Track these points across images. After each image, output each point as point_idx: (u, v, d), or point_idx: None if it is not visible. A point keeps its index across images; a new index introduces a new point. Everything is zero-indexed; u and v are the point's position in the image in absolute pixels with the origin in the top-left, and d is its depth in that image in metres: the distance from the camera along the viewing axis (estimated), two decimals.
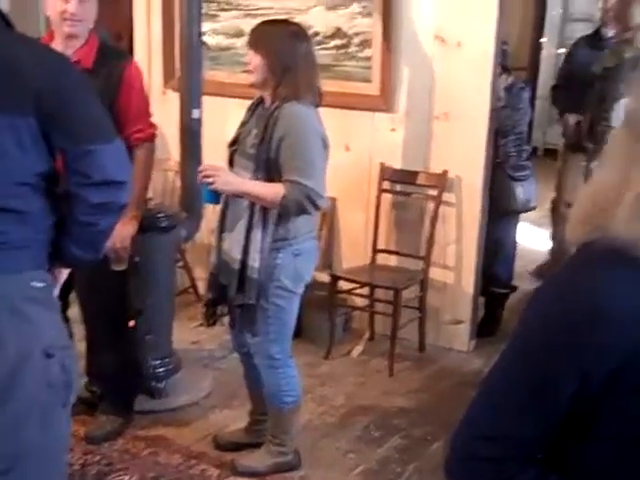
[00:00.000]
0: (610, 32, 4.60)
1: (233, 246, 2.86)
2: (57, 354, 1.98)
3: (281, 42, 2.81)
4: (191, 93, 3.67)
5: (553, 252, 5.29)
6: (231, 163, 2.96)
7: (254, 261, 2.80)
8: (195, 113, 3.67)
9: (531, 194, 4.36)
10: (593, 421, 1.02)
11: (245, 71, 2.88)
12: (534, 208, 4.52)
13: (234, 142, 2.97)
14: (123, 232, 3.11)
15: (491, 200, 4.17)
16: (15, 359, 1.92)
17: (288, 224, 2.82)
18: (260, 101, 2.94)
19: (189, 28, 3.62)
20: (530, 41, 7.91)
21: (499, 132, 4.19)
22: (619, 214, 0.99)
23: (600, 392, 0.99)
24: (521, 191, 4.29)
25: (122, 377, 3.40)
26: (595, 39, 4.82)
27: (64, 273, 2.21)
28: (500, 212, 4.26)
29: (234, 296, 2.88)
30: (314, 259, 3.00)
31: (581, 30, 5.85)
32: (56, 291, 2.18)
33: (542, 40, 8.40)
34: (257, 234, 2.80)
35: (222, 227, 2.98)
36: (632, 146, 1.00)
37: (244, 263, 2.82)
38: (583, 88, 4.51)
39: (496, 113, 4.10)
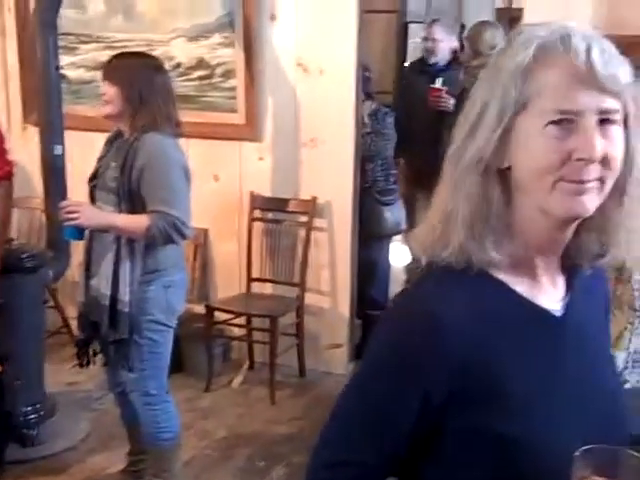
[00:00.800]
0: (433, 59, 4.81)
1: (101, 281, 2.81)
2: None
3: (137, 73, 2.80)
4: (52, 128, 3.58)
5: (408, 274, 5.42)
6: (92, 198, 2.91)
7: (124, 295, 2.76)
8: (57, 149, 3.59)
9: (400, 217, 4.46)
10: (437, 440, 1.04)
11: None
12: (403, 231, 4.62)
13: (94, 177, 2.93)
14: None
15: (361, 224, 4.24)
16: None
17: (157, 255, 2.80)
18: (117, 134, 2.91)
19: (46, 61, 3.53)
20: (394, 66, 8.10)
21: (365, 157, 4.27)
22: (437, 234, 1.05)
23: (440, 410, 1.02)
24: (390, 215, 4.39)
25: None
26: (421, 65, 5.02)
27: None
28: (370, 236, 4.34)
29: (106, 332, 2.82)
30: (184, 291, 2.98)
31: None
32: None
33: (405, 64, 8.61)
34: (125, 267, 2.76)
35: (88, 264, 2.92)
36: (451, 170, 1.06)
37: (114, 298, 2.78)
38: (417, 117, 4.68)
39: (362, 139, 4.18)
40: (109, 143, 2.95)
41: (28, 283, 3.40)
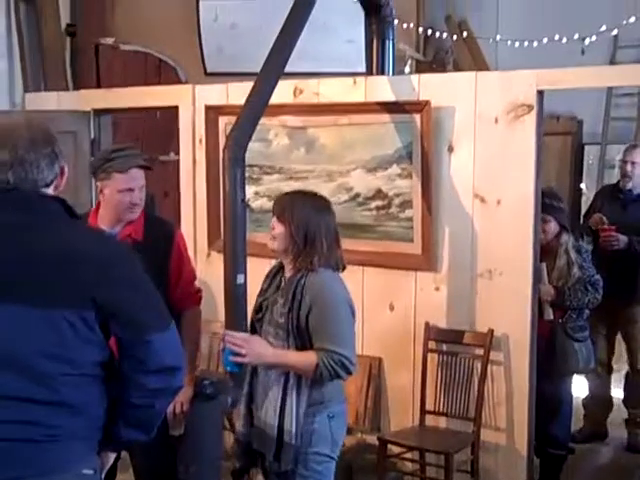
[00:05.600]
0: (629, 184, 4.72)
1: (269, 412, 2.85)
2: None
3: (305, 216, 2.88)
4: (235, 258, 3.71)
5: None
6: (254, 331, 3.00)
7: (290, 425, 2.80)
8: (239, 278, 3.71)
9: (591, 355, 4.28)
10: None
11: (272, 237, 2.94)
12: (594, 370, 4.45)
13: (258, 310, 3.01)
14: (182, 396, 3.16)
15: (553, 360, 4.11)
16: None
17: (322, 388, 2.84)
18: (279, 269, 3.00)
19: (233, 193, 3.69)
20: (569, 188, 7.98)
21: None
22: None
23: None
24: (584, 351, 4.21)
25: None
26: (613, 190, 4.90)
27: (111, 457, 2.20)
28: (562, 372, 4.20)
29: (271, 463, 2.85)
30: (346, 422, 2.99)
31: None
32: (102, 475, 2.16)
33: (581, 186, 8.45)
34: (292, 398, 2.82)
35: (251, 395, 2.98)
36: None
37: (280, 428, 2.81)
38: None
39: (567, 290, 4.16)
40: (270, 278, 3.04)
41: (208, 410, 3.48)
